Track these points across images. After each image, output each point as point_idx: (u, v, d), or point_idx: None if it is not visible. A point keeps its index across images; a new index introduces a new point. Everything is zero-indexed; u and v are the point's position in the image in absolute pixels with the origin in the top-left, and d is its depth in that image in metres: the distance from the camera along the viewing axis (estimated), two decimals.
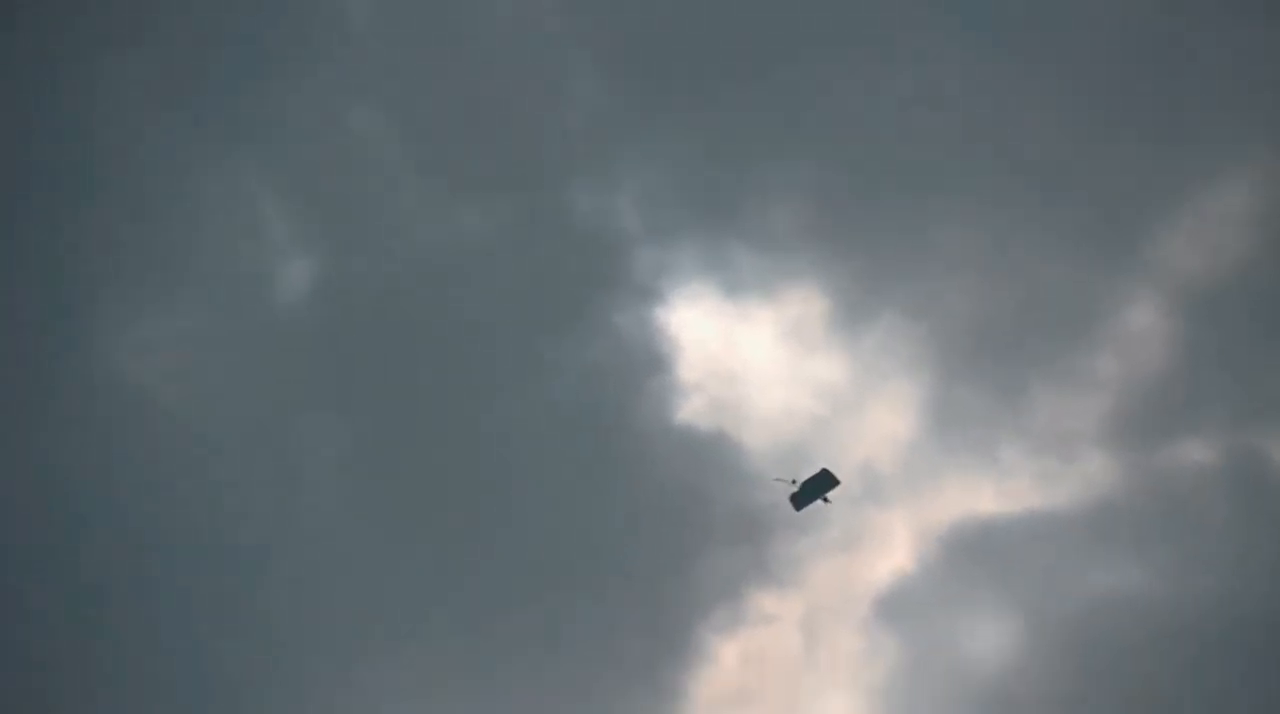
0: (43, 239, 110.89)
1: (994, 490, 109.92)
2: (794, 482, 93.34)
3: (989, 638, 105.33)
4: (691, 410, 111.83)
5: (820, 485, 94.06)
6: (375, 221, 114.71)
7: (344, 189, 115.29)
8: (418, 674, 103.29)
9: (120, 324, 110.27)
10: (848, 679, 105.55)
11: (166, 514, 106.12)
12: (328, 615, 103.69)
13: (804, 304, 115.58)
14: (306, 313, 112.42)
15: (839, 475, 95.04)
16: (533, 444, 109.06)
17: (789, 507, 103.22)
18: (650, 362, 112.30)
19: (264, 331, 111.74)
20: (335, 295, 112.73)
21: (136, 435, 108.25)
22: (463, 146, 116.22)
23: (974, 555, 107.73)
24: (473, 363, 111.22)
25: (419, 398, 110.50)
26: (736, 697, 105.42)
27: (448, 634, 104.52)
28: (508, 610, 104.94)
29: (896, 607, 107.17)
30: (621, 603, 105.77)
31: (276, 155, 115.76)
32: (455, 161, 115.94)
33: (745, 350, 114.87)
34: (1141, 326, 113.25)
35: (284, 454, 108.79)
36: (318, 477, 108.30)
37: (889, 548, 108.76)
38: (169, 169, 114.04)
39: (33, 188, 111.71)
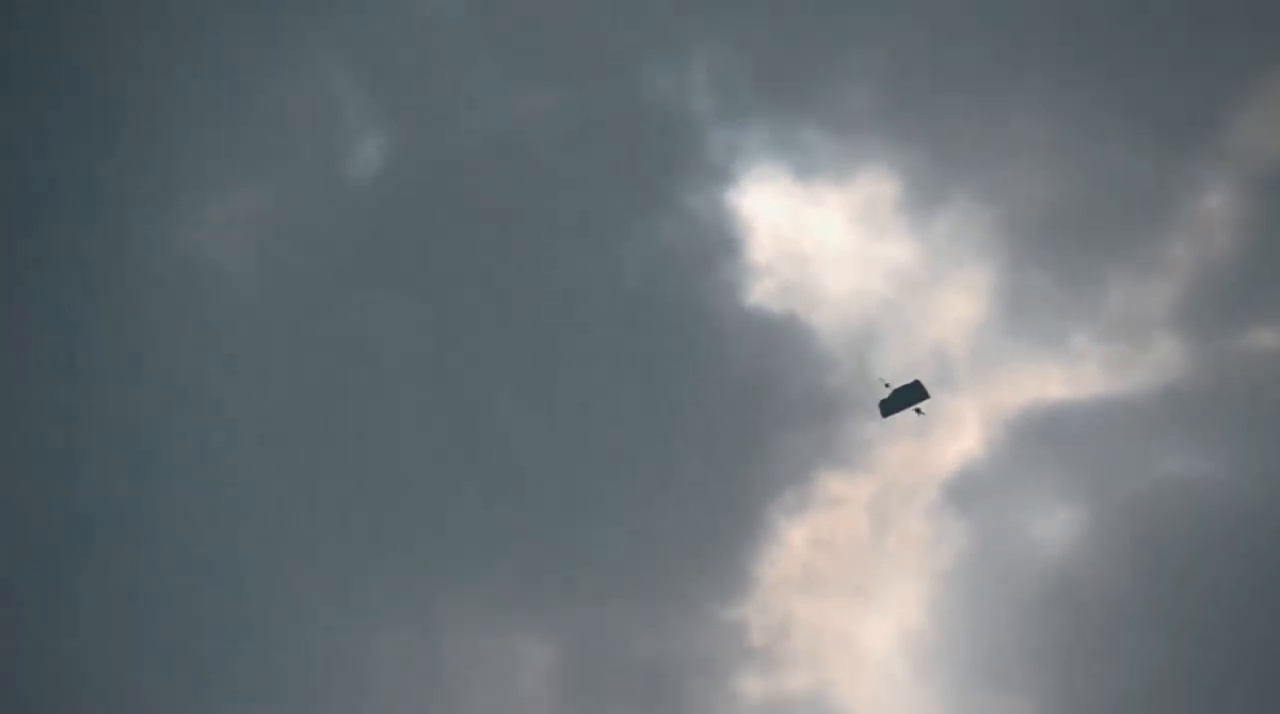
0: (125, 121, 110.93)
1: (1063, 376, 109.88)
2: (886, 386, 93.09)
3: (1055, 523, 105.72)
4: (762, 293, 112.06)
5: (911, 396, 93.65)
6: (447, 102, 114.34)
7: (416, 69, 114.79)
8: (483, 549, 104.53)
9: (198, 204, 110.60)
10: (914, 562, 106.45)
11: (238, 385, 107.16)
12: (405, 472, 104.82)
13: (875, 187, 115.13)
14: (378, 191, 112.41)
15: (926, 387, 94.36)
16: (604, 326, 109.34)
17: (859, 389, 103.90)
18: (721, 244, 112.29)
19: (335, 209, 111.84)
20: (406, 175, 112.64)
21: (211, 311, 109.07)
22: (537, 28, 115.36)
23: (1042, 441, 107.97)
24: (542, 245, 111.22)
25: (487, 279, 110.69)
26: (804, 578, 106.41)
27: (518, 510, 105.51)
28: (577, 491, 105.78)
29: (964, 491, 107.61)
30: (691, 485, 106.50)
31: (350, 35, 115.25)
32: (528, 43, 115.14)
33: (816, 233, 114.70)
34: (1214, 211, 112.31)
35: (353, 329, 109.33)
36: (387, 349, 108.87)
37: (958, 432, 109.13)
38: (245, 49, 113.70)
39: (114, 69, 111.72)
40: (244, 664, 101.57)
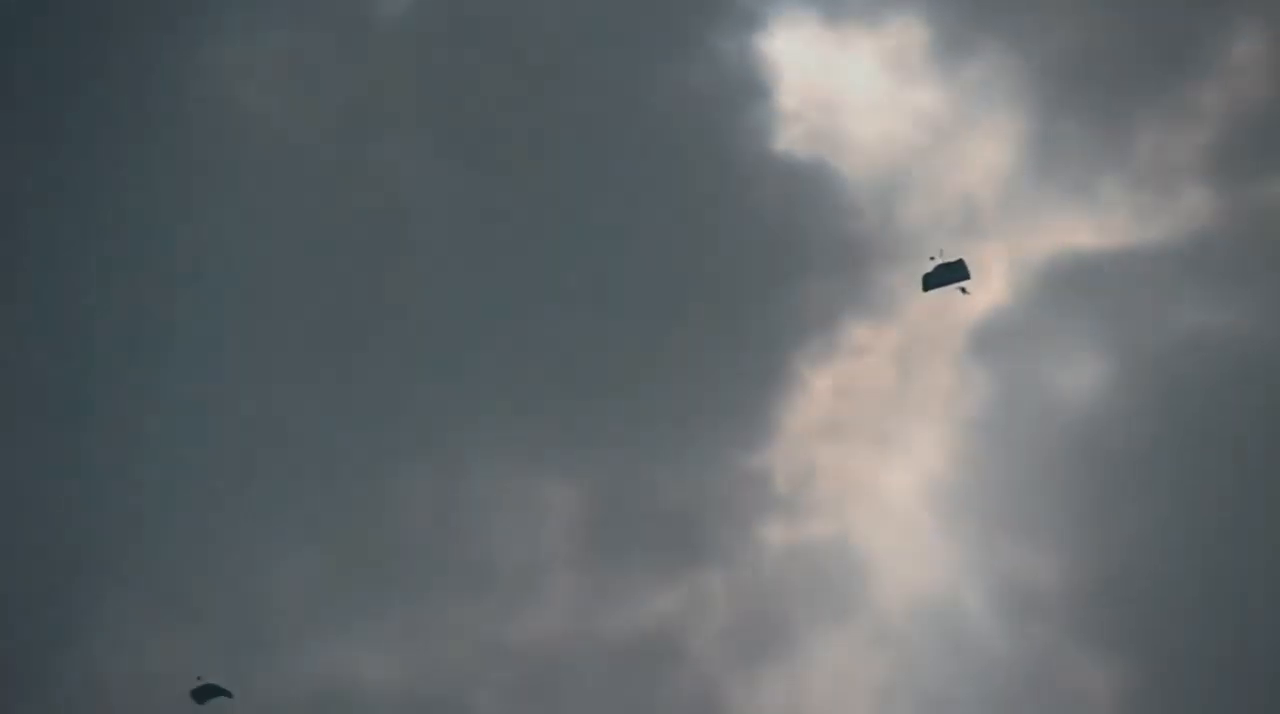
0: None
1: (1092, 224, 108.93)
2: (932, 258, 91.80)
3: (1081, 373, 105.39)
4: (790, 138, 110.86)
5: (954, 273, 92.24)
6: None
7: None
8: (514, 397, 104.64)
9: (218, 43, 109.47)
10: (939, 411, 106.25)
11: (263, 227, 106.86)
12: (433, 314, 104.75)
13: (906, 32, 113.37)
14: (404, 32, 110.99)
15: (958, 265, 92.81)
16: (629, 173, 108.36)
17: (885, 236, 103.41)
18: (749, 88, 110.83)
19: (362, 47, 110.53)
20: (433, 11, 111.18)
21: (232, 150, 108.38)
22: None
23: (1070, 290, 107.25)
24: (568, 90, 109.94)
25: (513, 118, 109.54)
26: (828, 427, 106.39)
27: (543, 354, 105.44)
28: (601, 336, 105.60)
29: (990, 340, 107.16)
30: (716, 331, 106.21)
31: None
32: None
33: (845, 78, 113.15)
34: (1246, 57, 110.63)
35: (380, 169, 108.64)
36: (413, 188, 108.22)
37: (985, 281, 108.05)
38: None
39: None
40: (274, 504, 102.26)
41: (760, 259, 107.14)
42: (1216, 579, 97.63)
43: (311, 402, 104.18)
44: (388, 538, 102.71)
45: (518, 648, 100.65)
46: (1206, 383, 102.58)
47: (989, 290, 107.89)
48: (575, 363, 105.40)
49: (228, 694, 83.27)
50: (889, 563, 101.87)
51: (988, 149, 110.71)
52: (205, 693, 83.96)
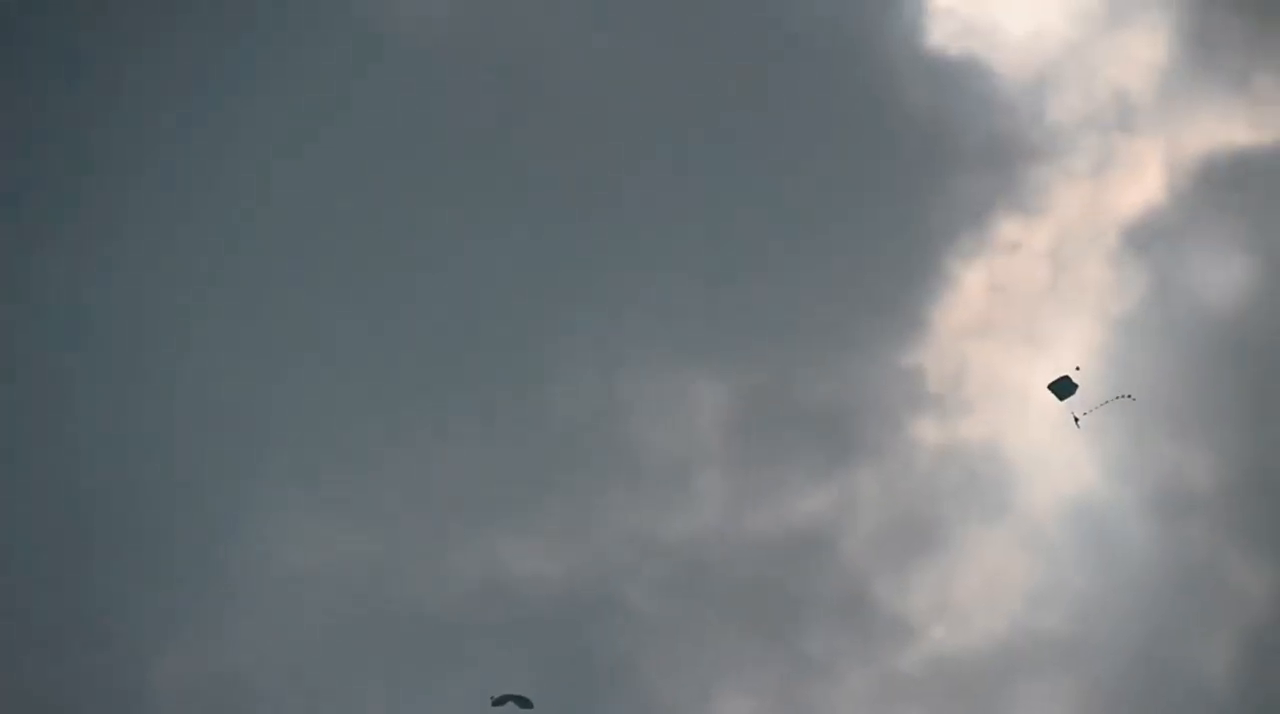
0: None
1: (1248, 119, 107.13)
2: (1077, 368, 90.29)
3: (1234, 271, 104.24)
4: (941, 34, 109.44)
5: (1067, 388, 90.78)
6: None
7: None
8: (668, 296, 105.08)
9: None
10: (1092, 309, 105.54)
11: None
12: (593, 220, 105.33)
13: None
14: None
15: None
16: (779, 71, 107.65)
17: (1037, 132, 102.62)
18: None
19: None
20: None
21: None
22: None
23: (1226, 187, 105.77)
24: None
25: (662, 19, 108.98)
26: (979, 324, 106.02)
27: (697, 255, 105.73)
28: (754, 236, 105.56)
29: (1144, 237, 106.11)
30: (866, 229, 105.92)
31: None
32: None
33: None
34: None
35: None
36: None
37: (1139, 177, 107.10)
38: None
39: None
40: (432, 404, 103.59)
41: (912, 156, 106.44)
42: None
43: (471, 294, 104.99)
44: (542, 436, 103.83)
45: (669, 544, 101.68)
46: None
47: (1143, 187, 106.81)
48: (727, 263, 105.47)
49: (529, 704, 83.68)
50: (1040, 463, 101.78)
51: (1142, 43, 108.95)
52: (506, 701, 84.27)
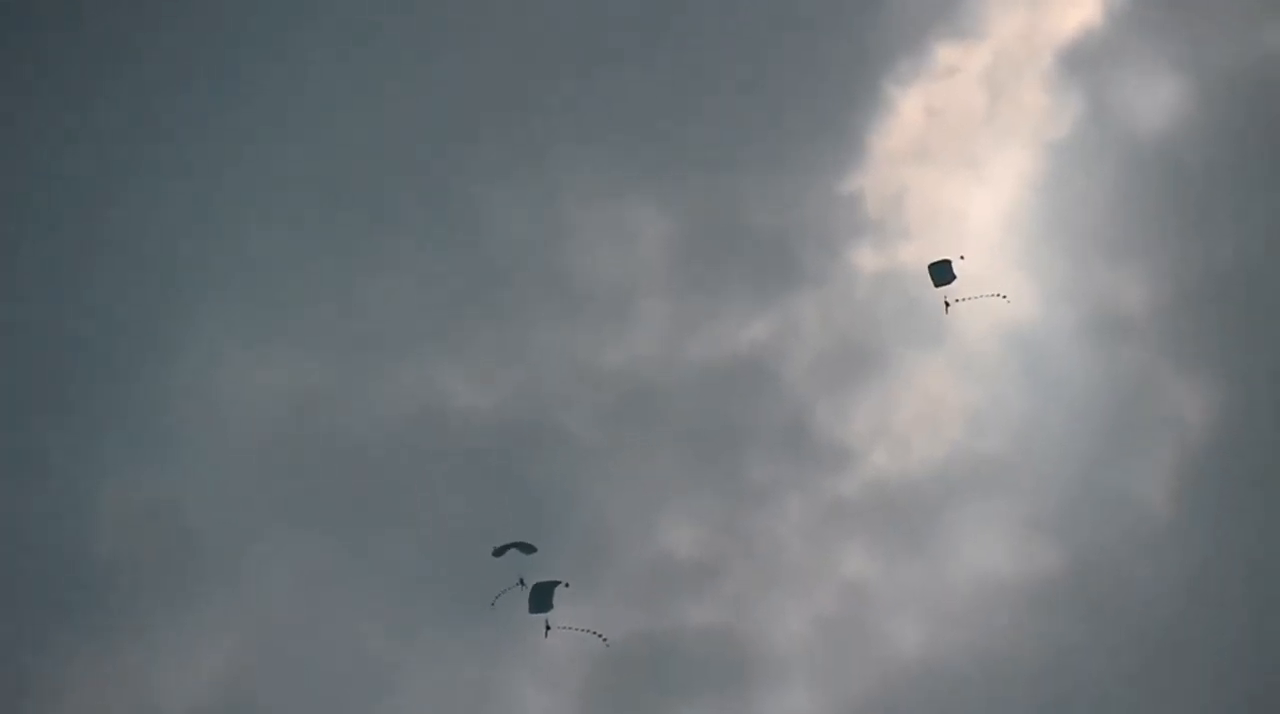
0: None
1: None
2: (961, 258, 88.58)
3: (1169, 93, 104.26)
4: None
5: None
6: None
7: None
8: (605, 120, 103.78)
9: None
10: (1028, 133, 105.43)
11: None
12: (525, 37, 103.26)
13: None
14: None
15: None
16: None
17: None
18: None
19: None
20: None
21: None
22: None
23: (1162, 7, 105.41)
24: None
25: None
26: (916, 150, 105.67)
27: (633, 80, 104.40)
28: (690, 61, 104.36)
29: (1080, 60, 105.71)
30: (804, 55, 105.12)
31: None
32: None
33: None
34: None
35: None
36: None
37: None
38: None
39: None
40: (365, 226, 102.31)
41: None
42: None
43: (402, 124, 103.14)
44: (478, 263, 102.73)
45: (608, 373, 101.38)
46: None
47: (1080, 10, 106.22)
48: (665, 88, 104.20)
49: (532, 550, 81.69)
50: (979, 288, 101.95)
51: None
52: (507, 550, 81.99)
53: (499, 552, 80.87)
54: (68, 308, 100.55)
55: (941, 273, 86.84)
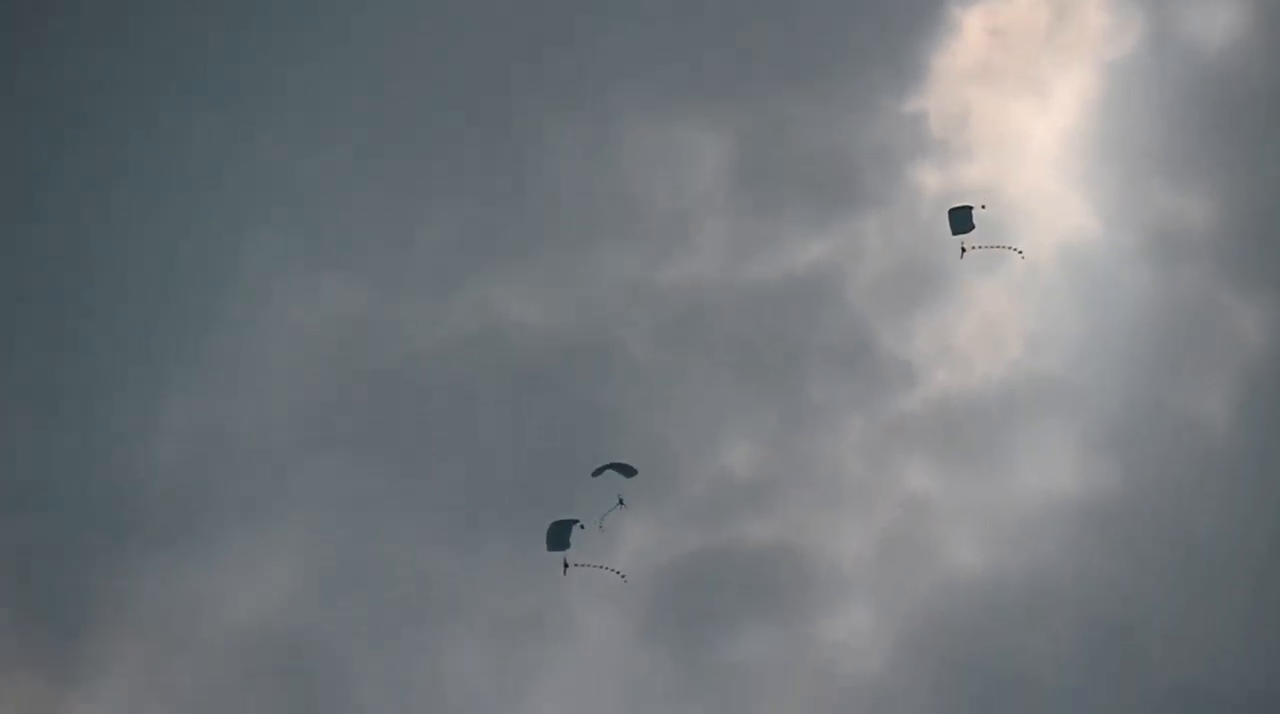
0: None
1: None
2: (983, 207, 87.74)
3: (1231, 17, 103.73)
4: None
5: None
6: None
7: None
8: (664, 44, 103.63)
9: None
10: (1089, 53, 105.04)
11: None
12: None
13: None
14: None
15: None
16: None
17: None
18: None
19: None
20: None
21: None
22: None
23: None
24: None
25: None
26: (980, 70, 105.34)
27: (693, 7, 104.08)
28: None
29: None
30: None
31: None
32: None
33: None
34: None
35: None
36: None
37: None
38: None
39: None
40: (424, 151, 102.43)
41: None
42: None
43: (458, 52, 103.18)
44: (536, 185, 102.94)
45: (667, 292, 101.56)
46: None
47: None
48: (724, 8, 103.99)
49: (633, 472, 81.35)
50: (1039, 208, 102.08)
51: None
52: (605, 471, 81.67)
53: (597, 472, 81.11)
54: (130, 244, 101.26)
55: (961, 220, 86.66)
